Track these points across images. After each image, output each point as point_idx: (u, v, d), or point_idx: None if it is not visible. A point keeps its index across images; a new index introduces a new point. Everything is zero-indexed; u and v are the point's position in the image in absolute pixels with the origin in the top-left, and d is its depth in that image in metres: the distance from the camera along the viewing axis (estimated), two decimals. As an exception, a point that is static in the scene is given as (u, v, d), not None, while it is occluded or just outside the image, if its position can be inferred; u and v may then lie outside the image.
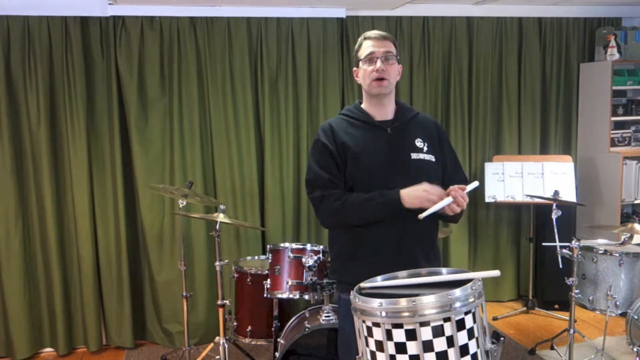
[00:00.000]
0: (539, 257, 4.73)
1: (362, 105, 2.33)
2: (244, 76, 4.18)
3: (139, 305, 4.25)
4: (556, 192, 3.83)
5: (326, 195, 2.21)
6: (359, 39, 2.29)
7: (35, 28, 3.84)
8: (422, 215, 2.07)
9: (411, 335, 1.67)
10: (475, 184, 2.19)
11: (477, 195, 4.74)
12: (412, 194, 2.10)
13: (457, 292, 1.68)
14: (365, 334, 1.78)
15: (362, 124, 2.27)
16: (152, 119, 4.08)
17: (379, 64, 2.19)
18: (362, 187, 2.20)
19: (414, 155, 2.23)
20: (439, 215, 2.24)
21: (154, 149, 4.10)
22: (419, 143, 2.26)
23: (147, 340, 4.31)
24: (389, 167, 2.20)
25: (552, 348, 3.85)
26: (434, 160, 2.27)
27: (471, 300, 1.70)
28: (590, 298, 3.57)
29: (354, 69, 2.31)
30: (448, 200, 2.09)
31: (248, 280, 3.53)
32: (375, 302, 1.71)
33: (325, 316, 3.10)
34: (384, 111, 2.28)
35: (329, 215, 2.23)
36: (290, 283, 3.26)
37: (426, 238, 2.27)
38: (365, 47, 2.23)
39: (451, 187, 2.10)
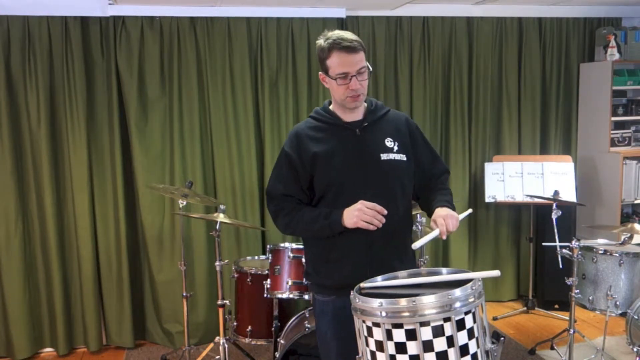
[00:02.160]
0: (539, 257, 4.73)
1: (332, 107, 2.26)
2: (244, 76, 4.19)
3: (139, 305, 4.25)
4: (556, 192, 3.83)
5: (278, 210, 2.23)
6: (325, 42, 2.10)
7: (35, 28, 3.84)
8: (414, 246, 2.08)
9: (411, 335, 1.67)
10: (469, 211, 2.19)
11: (477, 195, 4.74)
12: (349, 214, 2.08)
13: (457, 292, 1.68)
14: (366, 334, 1.78)
15: (330, 127, 2.21)
16: (152, 119, 4.08)
17: (354, 83, 2.10)
18: (333, 192, 2.17)
19: (383, 156, 2.19)
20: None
21: (154, 149, 4.10)
22: (388, 143, 2.22)
23: (147, 340, 4.31)
24: (359, 170, 2.17)
25: (552, 348, 3.85)
26: (405, 159, 2.22)
27: (471, 300, 1.70)
28: (590, 298, 3.57)
29: (320, 73, 2.19)
30: (435, 232, 2.07)
31: (248, 280, 3.53)
32: (375, 302, 1.71)
33: (325, 316, 3.09)
34: (353, 113, 2.23)
35: (283, 229, 2.26)
36: (290, 283, 3.26)
37: (398, 240, 2.24)
38: (336, 61, 2.08)
39: (436, 219, 2.08)
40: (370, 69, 2.18)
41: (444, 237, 2.07)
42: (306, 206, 2.23)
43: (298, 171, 2.19)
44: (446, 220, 2.07)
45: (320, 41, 2.14)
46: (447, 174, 2.38)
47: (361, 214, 2.05)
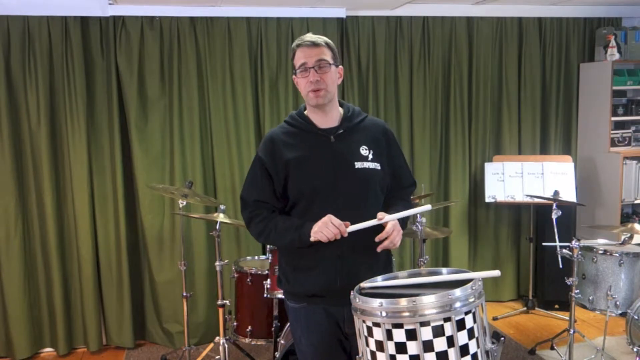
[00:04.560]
0: (539, 257, 4.73)
1: (306, 112, 2.23)
2: (244, 76, 4.18)
3: (139, 305, 4.25)
4: (556, 192, 3.83)
5: (253, 216, 2.20)
6: (293, 46, 2.18)
7: (35, 28, 3.84)
8: (349, 229, 2.04)
9: (411, 335, 1.67)
10: (427, 207, 2.16)
11: (477, 195, 4.74)
12: (315, 229, 2.04)
13: (458, 292, 1.68)
14: (366, 333, 1.78)
15: (303, 132, 2.18)
16: (152, 118, 4.08)
17: (312, 75, 2.10)
18: (306, 199, 2.14)
19: (357, 164, 2.15)
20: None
21: (154, 149, 4.10)
22: (363, 151, 2.18)
23: (147, 340, 4.31)
24: (332, 177, 2.13)
25: (552, 348, 3.85)
26: (379, 168, 2.19)
27: (471, 300, 1.70)
28: (590, 298, 3.57)
29: (293, 76, 2.20)
30: (373, 221, 2.06)
31: (248, 280, 3.53)
32: (376, 302, 1.71)
33: (325, 316, 3.09)
34: (328, 118, 2.19)
35: (256, 236, 2.23)
36: (290, 283, 3.25)
37: (369, 248, 2.15)
38: (298, 56, 2.13)
39: (381, 214, 2.07)
40: (338, 66, 2.18)
41: (385, 244, 2.07)
42: (280, 215, 2.19)
43: (272, 177, 2.16)
44: (394, 232, 2.06)
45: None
46: (413, 186, 2.38)
47: (323, 227, 2.02)
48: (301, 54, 2.13)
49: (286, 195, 2.18)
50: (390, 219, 2.07)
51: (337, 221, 2.03)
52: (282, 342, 3.25)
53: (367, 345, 1.78)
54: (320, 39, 2.16)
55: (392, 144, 2.29)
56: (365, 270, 2.15)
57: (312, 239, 2.05)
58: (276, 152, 2.16)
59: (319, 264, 2.14)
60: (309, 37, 2.16)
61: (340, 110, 2.24)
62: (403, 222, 2.18)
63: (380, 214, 2.07)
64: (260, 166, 2.18)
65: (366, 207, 2.14)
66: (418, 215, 3.65)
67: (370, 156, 2.19)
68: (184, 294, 3.76)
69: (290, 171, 2.14)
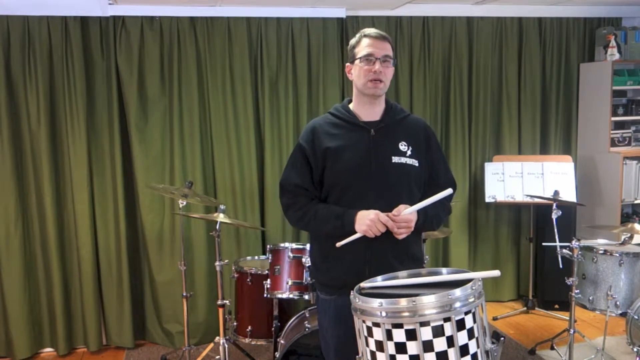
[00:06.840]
0: (539, 257, 4.73)
1: (351, 105, 2.30)
2: (244, 76, 4.18)
3: (139, 305, 4.25)
4: (556, 192, 3.83)
5: (291, 203, 2.25)
6: (358, 35, 2.24)
7: (35, 28, 3.84)
8: (339, 244, 2.10)
9: (411, 335, 1.67)
10: (448, 192, 2.14)
11: (477, 195, 4.74)
12: (361, 221, 2.09)
13: (457, 292, 1.68)
14: (365, 334, 1.78)
15: (346, 124, 2.25)
16: (152, 119, 4.08)
17: (377, 65, 2.16)
18: (340, 188, 2.19)
19: (395, 159, 2.20)
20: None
21: (154, 149, 4.10)
22: (402, 146, 2.23)
23: (147, 340, 4.31)
24: (367, 169, 2.18)
25: (552, 348, 3.85)
26: (417, 164, 2.23)
27: (471, 300, 1.70)
28: (590, 298, 3.57)
29: (347, 64, 2.28)
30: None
31: (248, 280, 3.53)
32: (375, 302, 1.71)
33: (325, 316, 3.09)
34: (372, 111, 2.26)
35: (294, 223, 2.30)
36: (290, 283, 3.26)
37: (399, 243, 2.16)
38: (364, 45, 2.19)
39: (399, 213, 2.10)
40: (396, 61, 2.27)
41: (398, 236, 2.11)
42: (318, 202, 2.24)
43: (311, 163, 2.22)
44: (402, 224, 2.08)
45: (352, 39, 2.27)
46: (452, 186, 2.28)
47: (372, 225, 2.07)
48: (369, 43, 2.19)
49: (323, 184, 2.24)
50: (407, 212, 2.10)
51: (384, 217, 2.08)
52: (282, 342, 3.25)
53: (367, 345, 1.78)
54: (387, 35, 2.24)
55: (432, 141, 2.32)
56: (395, 261, 2.19)
57: (360, 232, 2.09)
58: (317, 140, 2.23)
59: (348, 252, 2.17)
60: (376, 30, 2.22)
61: (384, 104, 2.30)
62: (425, 220, 2.19)
63: (399, 207, 2.09)
64: (301, 153, 2.25)
65: (399, 202, 2.15)
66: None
67: (409, 152, 2.23)
68: (184, 294, 3.76)
69: (327, 160, 2.20)
